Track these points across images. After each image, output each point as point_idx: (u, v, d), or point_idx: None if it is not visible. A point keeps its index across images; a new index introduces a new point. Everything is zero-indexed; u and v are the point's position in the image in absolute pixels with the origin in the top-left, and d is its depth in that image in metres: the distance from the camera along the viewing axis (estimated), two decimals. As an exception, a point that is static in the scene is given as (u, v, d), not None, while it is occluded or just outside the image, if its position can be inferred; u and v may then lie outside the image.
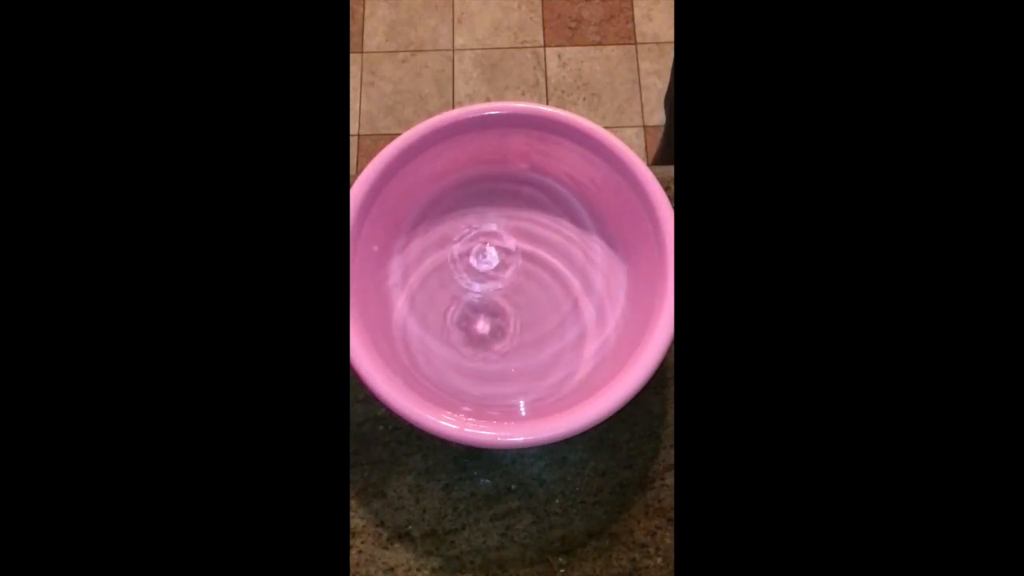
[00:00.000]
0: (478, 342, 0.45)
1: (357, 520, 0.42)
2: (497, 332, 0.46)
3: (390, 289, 0.46)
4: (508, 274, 0.47)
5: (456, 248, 0.47)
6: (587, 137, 0.44)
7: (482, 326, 0.46)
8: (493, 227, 0.48)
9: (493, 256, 0.47)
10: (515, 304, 0.46)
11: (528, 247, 0.48)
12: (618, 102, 1.28)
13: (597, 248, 0.47)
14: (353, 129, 1.27)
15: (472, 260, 0.47)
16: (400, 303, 0.46)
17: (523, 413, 0.42)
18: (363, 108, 1.28)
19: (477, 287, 0.47)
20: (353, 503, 0.42)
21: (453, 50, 1.32)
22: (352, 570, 0.41)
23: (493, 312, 0.46)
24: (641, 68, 1.30)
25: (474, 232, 0.48)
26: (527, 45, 1.32)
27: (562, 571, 0.41)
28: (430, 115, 0.44)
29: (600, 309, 0.45)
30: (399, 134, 0.44)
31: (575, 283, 0.46)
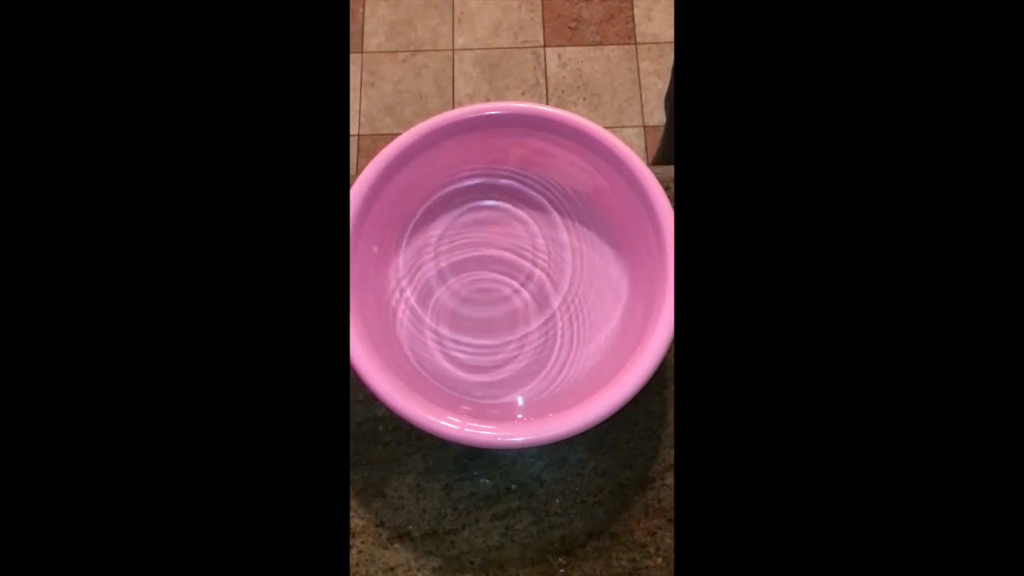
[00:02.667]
0: (477, 342, 0.45)
1: (357, 520, 0.42)
2: (497, 332, 0.46)
3: (390, 289, 0.46)
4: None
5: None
6: (587, 137, 0.44)
7: (482, 327, 0.46)
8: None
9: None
10: (515, 303, 0.46)
11: (527, 247, 0.48)
12: (618, 102, 1.28)
13: (597, 248, 0.47)
14: (353, 129, 1.27)
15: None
16: (400, 303, 0.46)
17: (522, 413, 0.42)
18: (363, 108, 1.28)
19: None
20: (353, 503, 0.42)
21: (453, 50, 1.32)
22: (352, 570, 0.41)
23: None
24: (641, 68, 1.30)
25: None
26: (527, 45, 1.32)
27: (562, 571, 0.41)
28: (430, 115, 0.44)
29: (601, 309, 0.45)
30: (399, 134, 0.44)
31: (576, 283, 0.46)
